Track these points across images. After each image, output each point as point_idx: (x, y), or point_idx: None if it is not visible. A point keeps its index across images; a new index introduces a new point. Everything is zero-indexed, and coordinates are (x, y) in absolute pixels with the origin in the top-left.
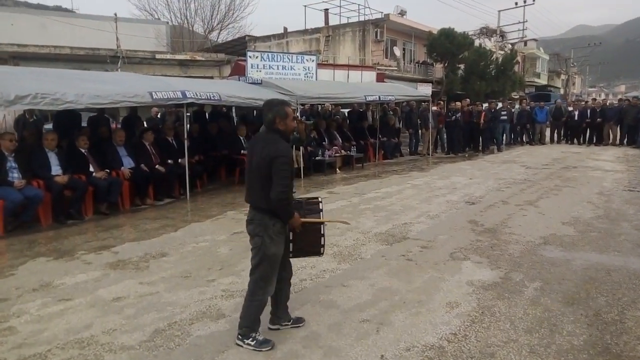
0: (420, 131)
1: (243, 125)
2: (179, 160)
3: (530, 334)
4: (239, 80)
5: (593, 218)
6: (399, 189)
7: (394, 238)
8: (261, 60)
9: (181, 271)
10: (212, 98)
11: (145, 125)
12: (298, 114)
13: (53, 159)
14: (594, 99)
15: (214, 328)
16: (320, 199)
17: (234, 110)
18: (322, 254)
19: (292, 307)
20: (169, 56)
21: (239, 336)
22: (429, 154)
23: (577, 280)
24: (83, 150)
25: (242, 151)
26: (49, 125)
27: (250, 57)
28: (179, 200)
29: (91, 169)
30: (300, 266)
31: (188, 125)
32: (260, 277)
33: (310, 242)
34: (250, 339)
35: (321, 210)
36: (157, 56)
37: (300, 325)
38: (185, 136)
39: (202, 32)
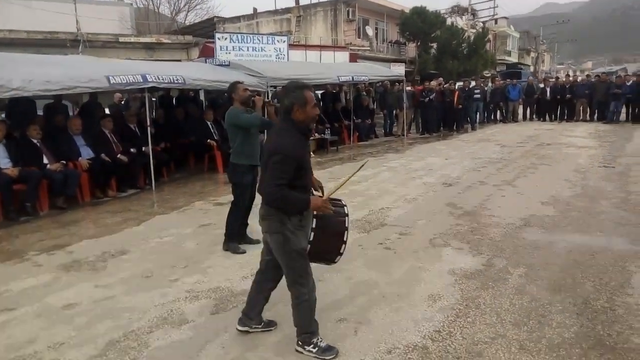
0: (394, 112)
1: (211, 110)
2: (143, 148)
3: (519, 328)
4: (206, 62)
5: (572, 196)
6: (374, 172)
7: (372, 225)
8: (230, 42)
9: (142, 270)
10: (176, 82)
11: (108, 112)
12: (269, 98)
13: (1, 151)
14: (567, 75)
15: (175, 336)
16: (343, 202)
17: (203, 94)
18: (336, 262)
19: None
20: (133, 39)
21: (299, 342)
22: (403, 135)
23: (561, 265)
24: (35, 141)
25: (213, 137)
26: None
27: (219, 39)
28: (144, 191)
29: (45, 160)
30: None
31: (153, 111)
32: (299, 275)
33: (329, 247)
34: (312, 345)
35: (346, 214)
36: (121, 39)
37: (272, 329)
38: (149, 123)
39: (169, 14)
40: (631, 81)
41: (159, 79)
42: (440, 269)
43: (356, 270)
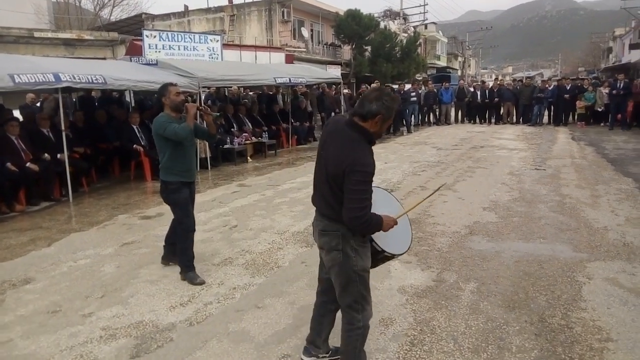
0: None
1: (136, 113)
2: (58, 155)
3: (478, 355)
4: (131, 61)
5: (511, 201)
6: None
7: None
8: (160, 40)
9: (48, 304)
10: (95, 82)
11: (19, 114)
12: (204, 104)
13: None
14: (496, 79)
15: None
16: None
17: (130, 94)
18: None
19: (193, 343)
20: (50, 34)
21: None
22: None
23: (512, 277)
24: None
25: (140, 141)
26: None
27: (147, 36)
28: (60, 204)
29: None
30: (206, 284)
31: (69, 114)
32: (354, 300)
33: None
34: None
35: (392, 255)
36: (37, 34)
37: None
38: (63, 126)
39: (92, 9)
40: (552, 86)
41: (74, 78)
42: (390, 287)
43: (300, 293)
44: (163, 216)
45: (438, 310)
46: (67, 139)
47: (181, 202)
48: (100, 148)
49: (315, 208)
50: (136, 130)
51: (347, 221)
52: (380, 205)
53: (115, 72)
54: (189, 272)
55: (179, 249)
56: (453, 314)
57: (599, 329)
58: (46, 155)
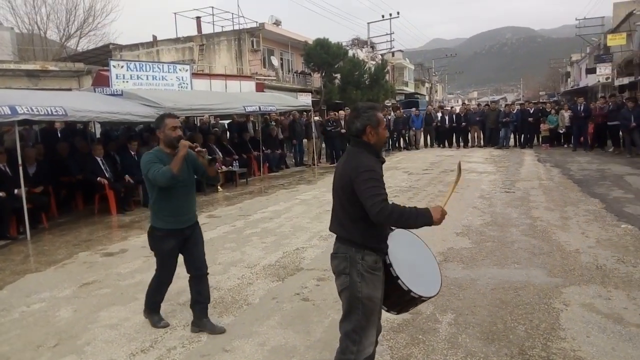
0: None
1: (99, 145)
2: (15, 191)
3: None
4: (95, 91)
5: (483, 225)
6: (287, 206)
7: (286, 270)
8: (127, 70)
9: None
10: (55, 113)
11: None
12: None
13: None
14: (463, 104)
15: None
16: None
17: (94, 126)
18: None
19: None
20: (13, 66)
21: None
22: (314, 165)
23: (489, 306)
24: None
25: (104, 174)
26: None
27: (114, 66)
28: (17, 242)
29: None
30: (170, 326)
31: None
32: (352, 329)
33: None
34: None
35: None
36: None
37: None
38: (20, 161)
39: (58, 40)
40: (516, 109)
41: (32, 110)
42: None
43: (271, 332)
44: (126, 252)
45: (416, 346)
46: (27, 174)
47: (163, 253)
48: (63, 181)
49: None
50: (100, 163)
51: (376, 221)
52: (402, 245)
53: (77, 103)
54: (150, 314)
55: (149, 290)
56: (431, 349)
57: None
58: (1, 193)
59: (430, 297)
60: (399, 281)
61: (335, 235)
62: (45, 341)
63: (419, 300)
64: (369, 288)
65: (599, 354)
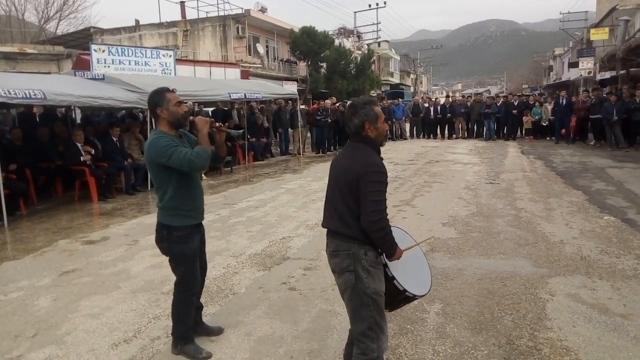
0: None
1: (80, 130)
2: None
3: None
4: (75, 75)
5: (469, 216)
6: (272, 195)
7: (272, 260)
8: (109, 55)
9: None
10: (33, 97)
11: None
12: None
13: None
14: (448, 96)
15: None
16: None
17: (75, 111)
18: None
19: None
20: None
21: None
22: (299, 154)
23: (476, 297)
24: None
25: (81, 158)
26: None
27: (95, 50)
28: None
29: None
30: (154, 315)
31: (6, 131)
32: (368, 327)
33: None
34: None
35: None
36: None
37: None
38: None
39: (37, 22)
40: (500, 102)
41: (9, 93)
42: None
43: (257, 322)
44: (108, 240)
45: (404, 336)
46: (3, 158)
47: (189, 255)
48: (41, 167)
49: (326, 231)
50: (80, 148)
51: (366, 226)
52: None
53: (57, 87)
54: (187, 344)
55: (174, 315)
56: (419, 339)
57: (567, 350)
58: None
59: (423, 295)
60: (395, 281)
61: (326, 231)
62: (24, 331)
63: (413, 298)
64: (376, 283)
65: (585, 343)
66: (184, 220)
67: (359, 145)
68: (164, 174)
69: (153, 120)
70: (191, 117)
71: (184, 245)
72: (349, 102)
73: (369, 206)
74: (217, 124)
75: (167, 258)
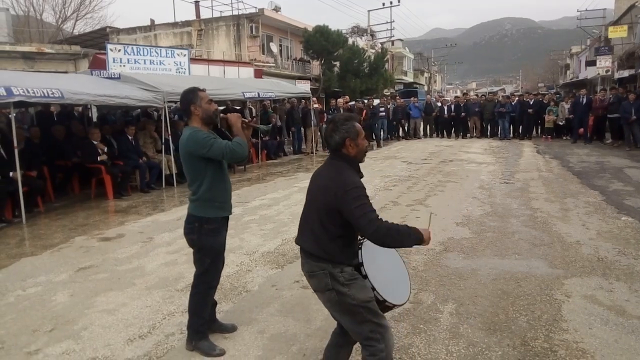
0: (302, 129)
1: (97, 128)
2: (10, 173)
3: None
4: (92, 74)
5: (483, 215)
6: (285, 193)
7: (285, 258)
8: (124, 54)
9: None
10: (51, 95)
11: None
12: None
13: None
14: (464, 94)
15: None
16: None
17: (91, 110)
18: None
19: None
20: (8, 47)
21: None
22: (313, 153)
23: (490, 297)
24: None
25: (98, 158)
26: None
27: (111, 50)
28: (12, 225)
29: None
30: (168, 312)
31: (25, 129)
32: (370, 331)
33: None
34: None
35: (393, 305)
36: None
37: None
38: (15, 143)
39: (54, 22)
40: (515, 100)
41: (28, 92)
42: None
43: (270, 320)
44: (123, 237)
45: (417, 335)
46: (22, 157)
47: (217, 248)
48: (59, 165)
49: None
50: (96, 147)
51: (373, 240)
52: (374, 253)
53: (74, 86)
54: (201, 340)
55: (192, 307)
56: (433, 339)
57: (584, 352)
58: None
59: (402, 304)
60: (375, 292)
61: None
62: (41, 326)
63: (393, 307)
64: (360, 293)
65: (602, 346)
66: (217, 212)
67: (338, 163)
68: (201, 165)
69: (184, 117)
70: (222, 115)
71: (213, 239)
72: (329, 118)
73: (361, 220)
74: (248, 120)
75: (182, 255)
